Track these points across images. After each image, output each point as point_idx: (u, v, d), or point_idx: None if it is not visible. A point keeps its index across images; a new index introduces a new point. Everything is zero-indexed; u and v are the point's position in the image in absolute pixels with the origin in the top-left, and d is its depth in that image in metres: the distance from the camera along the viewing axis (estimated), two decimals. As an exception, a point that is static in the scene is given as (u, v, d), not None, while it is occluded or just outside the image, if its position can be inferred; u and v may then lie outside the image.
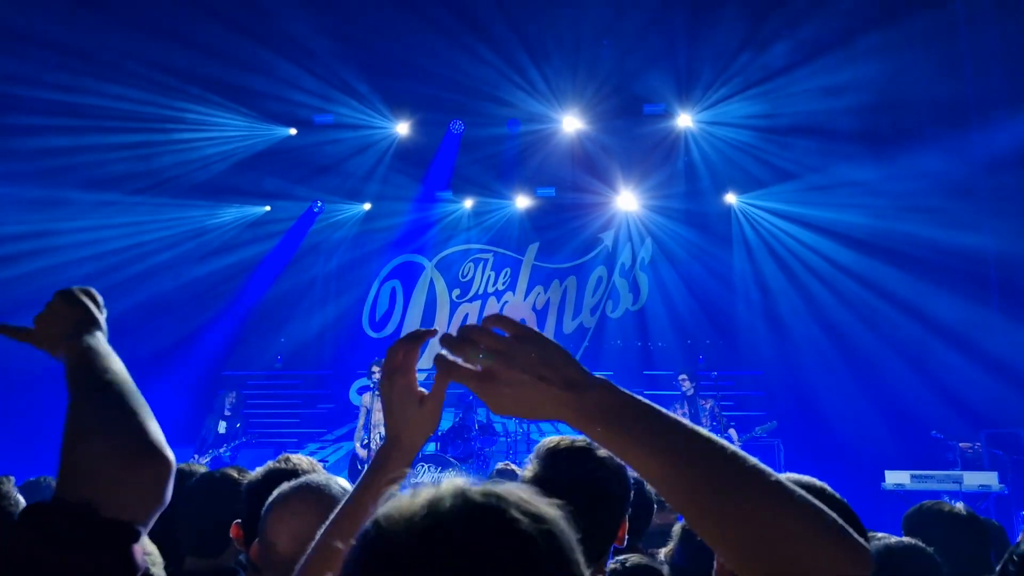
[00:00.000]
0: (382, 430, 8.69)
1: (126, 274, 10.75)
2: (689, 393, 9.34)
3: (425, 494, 0.70)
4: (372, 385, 8.97)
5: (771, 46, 9.88)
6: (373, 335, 12.32)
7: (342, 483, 1.86)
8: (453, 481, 0.71)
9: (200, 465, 3.02)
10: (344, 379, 12.03)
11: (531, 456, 1.93)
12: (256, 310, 11.91)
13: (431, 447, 9.59)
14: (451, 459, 8.80)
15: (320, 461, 10.40)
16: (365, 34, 10.26)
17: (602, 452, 1.87)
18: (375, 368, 8.98)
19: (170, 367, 11.10)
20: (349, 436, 11.52)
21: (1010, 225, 9.44)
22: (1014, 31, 8.72)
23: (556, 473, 1.81)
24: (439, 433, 9.54)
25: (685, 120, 10.92)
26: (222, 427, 9.84)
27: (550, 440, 1.93)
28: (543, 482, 1.81)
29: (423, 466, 8.73)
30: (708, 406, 9.19)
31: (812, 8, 9.38)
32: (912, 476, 7.59)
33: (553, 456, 1.87)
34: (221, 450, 9.37)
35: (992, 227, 9.67)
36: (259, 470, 2.28)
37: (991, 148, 9.23)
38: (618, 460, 1.88)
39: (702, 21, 9.74)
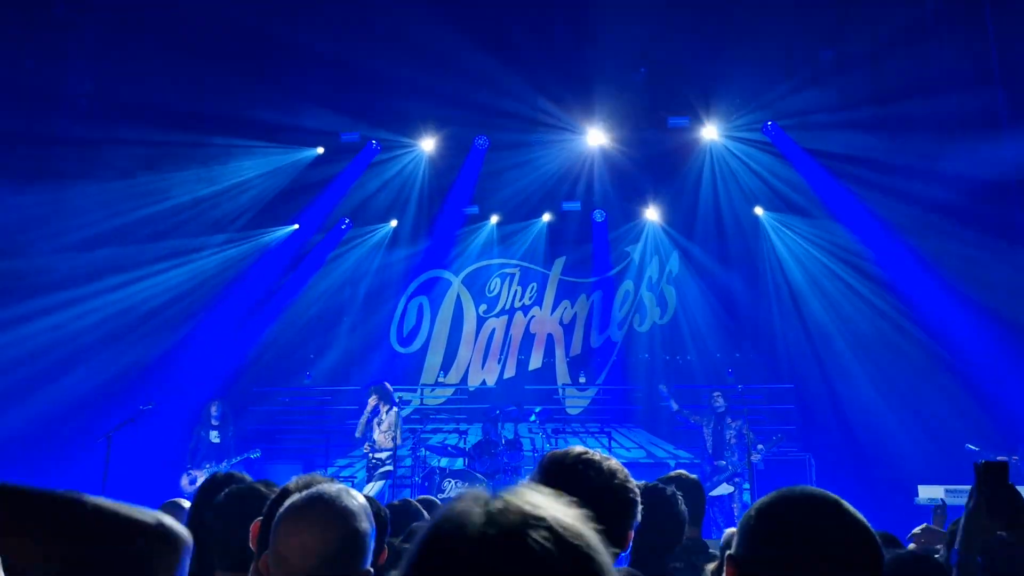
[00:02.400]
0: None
1: (160, 302, 11.02)
2: (721, 411, 9.26)
3: (479, 506, 0.81)
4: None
5: (807, 86, 9.82)
6: (401, 350, 12.39)
7: (355, 495, 1.83)
8: (502, 496, 0.82)
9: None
10: (372, 394, 12.08)
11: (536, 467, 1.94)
12: (286, 327, 12.04)
13: (459, 462, 9.59)
14: (478, 475, 8.78)
15: (349, 477, 10.49)
16: (388, 51, 10.38)
17: (608, 463, 1.89)
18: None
19: (201, 384, 11.26)
20: (377, 451, 11.58)
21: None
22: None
23: (557, 483, 1.82)
24: (467, 448, 9.54)
25: (711, 132, 10.88)
26: (214, 436, 9.70)
27: (556, 452, 1.96)
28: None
29: (450, 481, 8.73)
30: (735, 425, 9.08)
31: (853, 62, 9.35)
32: (946, 491, 7.43)
33: (556, 466, 1.88)
34: (222, 465, 9.09)
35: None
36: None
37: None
38: (624, 471, 1.89)
39: (738, 50, 9.69)
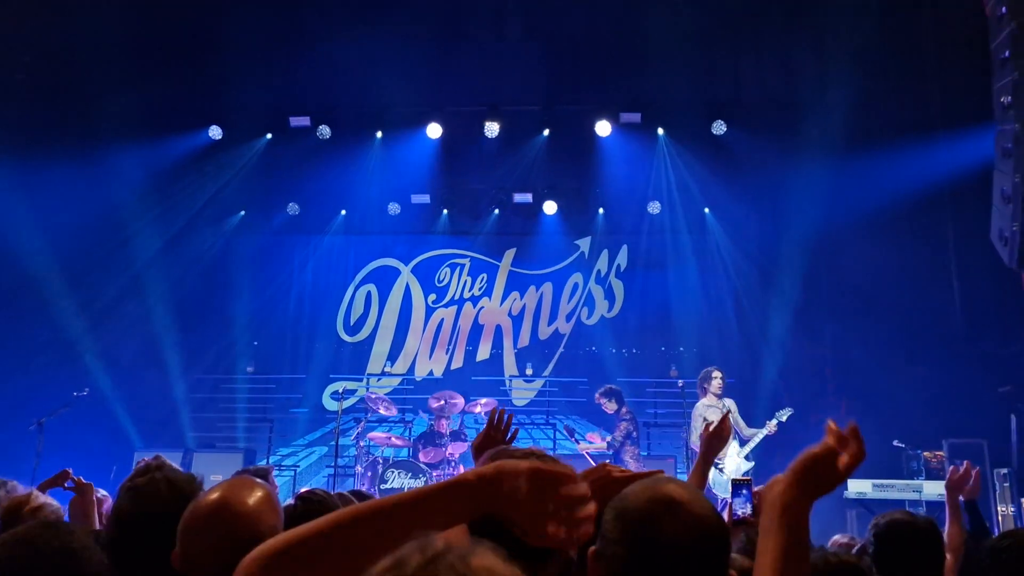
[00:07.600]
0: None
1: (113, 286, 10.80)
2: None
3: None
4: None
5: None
6: (348, 339, 12.27)
7: (262, 488, 1.77)
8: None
9: None
10: (318, 383, 11.96)
11: None
12: (229, 314, 11.82)
13: (404, 452, 9.57)
14: (422, 465, 8.79)
15: (292, 466, 10.31)
16: (336, 35, 10.24)
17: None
18: None
19: (143, 370, 11.01)
20: (322, 441, 11.46)
21: (971, 229, 9.60)
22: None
23: None
24: (411, 439, 9.55)
25: (663, 129, 11.01)
26: None
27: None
28: None
29: (393, 472, 8.73)
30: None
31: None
32: (873, 485, 7.78)
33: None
34: None
35: (955, 234, 9.88)
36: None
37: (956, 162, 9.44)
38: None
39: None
